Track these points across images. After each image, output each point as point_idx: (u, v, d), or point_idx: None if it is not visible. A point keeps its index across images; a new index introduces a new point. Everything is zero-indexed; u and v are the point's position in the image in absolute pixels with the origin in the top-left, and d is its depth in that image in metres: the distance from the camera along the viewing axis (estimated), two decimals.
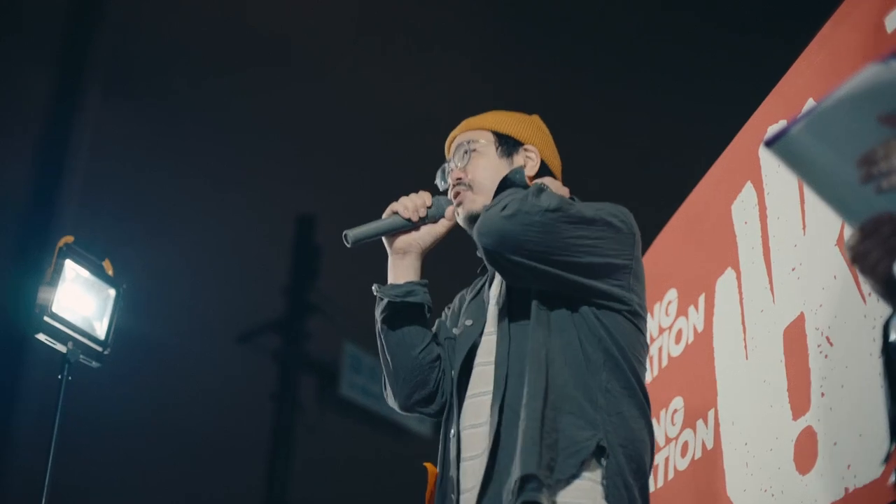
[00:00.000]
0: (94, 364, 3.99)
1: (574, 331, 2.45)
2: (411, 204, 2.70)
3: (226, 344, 12.37)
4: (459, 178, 2.70)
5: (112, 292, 4.04)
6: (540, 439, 2.29)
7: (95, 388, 4.91)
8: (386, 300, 2.68)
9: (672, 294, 3.88)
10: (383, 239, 2.74)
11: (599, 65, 11.36)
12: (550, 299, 2.49)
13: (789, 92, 3.29)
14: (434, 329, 2.77)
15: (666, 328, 3.85)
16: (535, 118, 2.84)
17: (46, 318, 3.80)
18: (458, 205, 2.70)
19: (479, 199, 2.64)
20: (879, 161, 1.57)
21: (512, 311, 2.54)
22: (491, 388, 2.48)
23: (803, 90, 3.16)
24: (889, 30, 2.75)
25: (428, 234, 2.74)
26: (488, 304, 2.64)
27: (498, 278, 2.63)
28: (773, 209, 3.26)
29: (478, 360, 2.56)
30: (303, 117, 12.47)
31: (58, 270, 3.85)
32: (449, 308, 2.85)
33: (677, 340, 3.77)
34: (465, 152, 2.71)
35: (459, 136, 2.78)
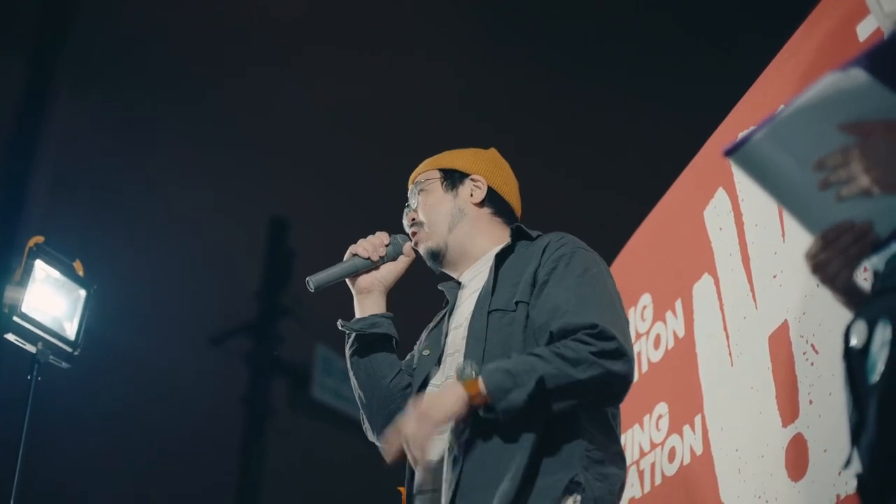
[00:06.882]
0: (64, 364, 3.98)
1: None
2: (370, 245, 2.80)
3: (197, 346, 12.32)
4: (413, 219, 2.81)
5: (83, 293, 4.02)
6: None
7: (65, 388, 4.88)
8: (353, 335, 2.76)
9: (646, 299, 3.89)
10: (347, 281, 2.81)
11: (572, 66, 11.40)
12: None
13: (760, 98, 3.30)
14: (405, 361, 2.83)
15: (643, 333, 3.85)
16: (490, 151, 2.91)
17: (16, 318, 3.78)
18: (416, 244, 2.80)
19: (433, 235, 2.75)
20: (838, 168, 1.57)
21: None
22: None
23: (774, 96, 3.17)
24: (861, 38, 2.76)
25: (389, 272, 2.83)
26: (447, 334, 2.68)
27: (458, 310, 2.68)
28: (750, 216, 3.26)
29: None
30: (275, 120, 12.44)
31: (28, 271, 3.83)
32: (418, 343, 2.90)
33: (656, 345, 3.76)
34: (417, 193, 2.82)
35: (414, 179, 2.87)
